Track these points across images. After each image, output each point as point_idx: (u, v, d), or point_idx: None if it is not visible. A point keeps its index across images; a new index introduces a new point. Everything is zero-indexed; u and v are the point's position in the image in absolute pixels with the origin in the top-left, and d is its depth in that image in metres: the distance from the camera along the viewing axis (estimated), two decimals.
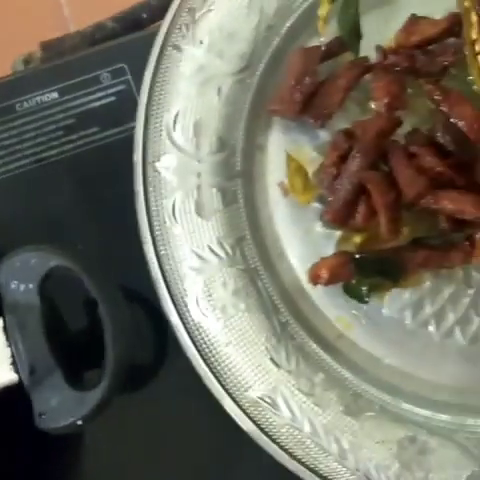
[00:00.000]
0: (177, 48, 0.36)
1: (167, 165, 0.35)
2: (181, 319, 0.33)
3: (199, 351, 0.33)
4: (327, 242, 0.36)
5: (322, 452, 0.32)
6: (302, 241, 0.36)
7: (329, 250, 0.36)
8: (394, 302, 0.36)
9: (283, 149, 0.37)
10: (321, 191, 0.36)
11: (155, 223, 0.34)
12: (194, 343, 0.32)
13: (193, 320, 0.33)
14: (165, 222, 0.34)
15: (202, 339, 0.33)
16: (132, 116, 0.50)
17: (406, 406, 0.35)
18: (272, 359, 0.34)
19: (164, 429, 0.40)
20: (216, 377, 0.32)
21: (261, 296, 0.35)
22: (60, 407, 0.37)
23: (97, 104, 0.51)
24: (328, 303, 0.36)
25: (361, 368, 0.35)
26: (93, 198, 0.50)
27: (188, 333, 0.33)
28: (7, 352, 0.38)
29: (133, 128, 0.49)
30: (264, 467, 0.35)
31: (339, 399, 0.34)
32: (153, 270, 0.33)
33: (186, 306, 0.34)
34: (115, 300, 0.38)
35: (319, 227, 0.36)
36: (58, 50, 0.58)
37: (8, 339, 0.38)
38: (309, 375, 0.34)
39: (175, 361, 0.40)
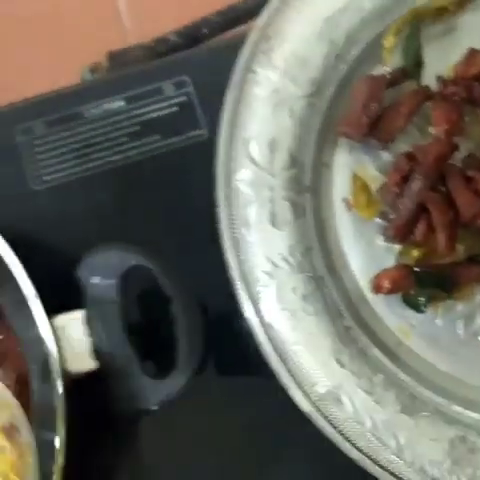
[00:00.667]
0: (255, 72, 0.39)
1: (244, 178, 0.38)
2: (257, 318, 0.36)
3: (273, 347, 0.36)
4: (387, 255, 0.40)
5: (381, 445, 0.35)
6: (364, 253, 0.40)
7: (389, 262, 0.39)
8: (447, 313, 0.39)
9: (348, 167, 0.40)
10: (383, 208, 0.39)
11: (233, 231, 0.37)
12: (270, 341, 0.35)
13: (266, 320, 0.36)
14: (241, 230, 0.37)
15: (274, 338, 0.36)
16: (193, 126, 0.54)
17: (457, 408, 0.37)
18: (337, 359, 0.37)
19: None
20: (287, 371, 0.35)
21: (327, 302, 0.38)
22: (136, 393, 0.40)
23: (160, 113, 0.54)
24: (387, 311, 0.39)
25: (417, 372, 0.38)
26: (154, 201, 0.53)
27: (263, 331, 0.36)
28: (88, 342, 0.41)
29: (193, 137, 0.53)
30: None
31: (397, 399, 0.37)
32: (232, 273, 0.36)
33: (259, 307, 0.37)
34: (188, 299, 0.41)
35: (380, 241, 0.40)
36: (122, 61, 0.62)
37: (89, 330, 0.41)
38: (370, 375, 0.37)
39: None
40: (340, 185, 0.40)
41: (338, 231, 0.40)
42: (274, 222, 0.38)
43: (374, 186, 0.40)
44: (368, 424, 0.36)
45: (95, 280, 0.41)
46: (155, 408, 0.40)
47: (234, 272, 0.36)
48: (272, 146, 0.38)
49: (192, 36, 0.61)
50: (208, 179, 0.52)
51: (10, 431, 0.39)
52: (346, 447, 0.35)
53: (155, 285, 0.41)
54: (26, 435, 0.39)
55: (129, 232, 0.52)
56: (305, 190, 0.39)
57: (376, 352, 0.38)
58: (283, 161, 0.39)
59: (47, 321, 0.40)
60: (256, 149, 0.38)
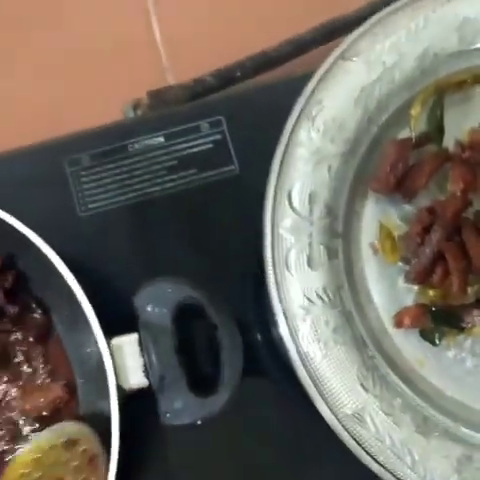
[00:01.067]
0: (300, 134, 0.45)
1: (286, 226, 0.44)
2: (294, 347, 0.42)
3: (308, 373, 0.42)
4: (407, 294, 0.45)
5: (398, 460, 0.41)
6: (387, 292, 0.45)
7: (408, 301, 0.45)
8: (458, 347, 0.45)
9: (375, 217, 0.46)
10: (405, 253, 0.45)
11: (275, 271, 0.43)
12: (305, 368, 0.42)
13: (302, 349, 0.42)
14: (283, 271, 0.43)
15: (309, 365, 0.42)
16: (225, 162, 0.59)
17: (464, 430, 0.43)
18: (362, 384, 0.43)
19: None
20: (320, 395, 0.41)
21: (354, 334, 0.44)
22: (183, 409, 0.45)
23: (196, 149, 0.59)
24: (406, 343, 0.45)
25: (430, 397, 0.44)
26: (190, 232, 0.59)
27: (300, 359, 0.42)
28: (140, 361, 0.45)
29: (225, 172, 0.58)
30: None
31: (412, 420, 0.42)
32: (274, 307, 0.42)
33: (296, 338, 0.43)
34: (231, 327, 0.46)
35: (402, 282, 0.45)
36: (162, 99, 0.66)
37: (142, 351, 0.45)
38: (390, 399, 0.43)
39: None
40: (368, 232, 0.46)
41: (365, 272, 0.46)
42: (310, 264, 0.44)
43: (398, 234, 0.46)
44: (387, 442, 0.41)
45: (149, 308, 0.46)
46: (199, 423, 0.45)
47: (276, 307, 0.42)
48: (311, 198, 0.44)
49: (226, 78, 0.65)
50: (237, 211, 0.58)
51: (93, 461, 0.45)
52: (368, 461, 0.41)
53: (203, 313, 0.46)
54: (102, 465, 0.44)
55: (165, 258, 0.56)
56: (338, 236, 0.45)
57: (395, 379, 0.43)
58: (320, 211, 0.45)
59: (105, 341, 0.45)
60: (297, 201, 0.44)
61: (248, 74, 0.66)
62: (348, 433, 0.41)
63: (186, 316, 0.47)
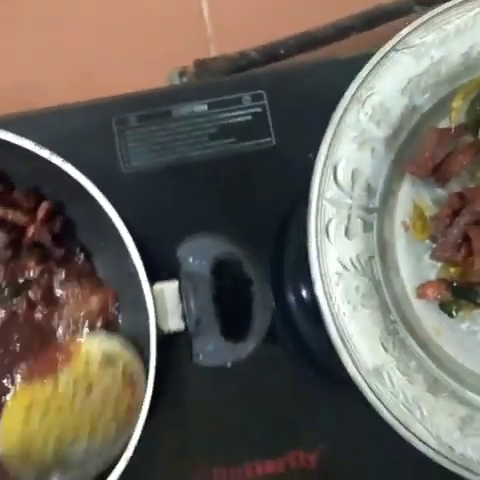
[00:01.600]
0: (349, 115, 0.49)
1: (329, 197, 0.49)
2: (328, 308, 0.47)
3: (337, 330, 0.47)
4: (431, 269, 0.50)
5: (409, 414, 0.46)
6: (413, 266, 0.50)
7: (431, 275, 0.50)
8: (472, 320, 0.50)
9: (410, 197, 0.51)
10: (434, 233, 0.50)
11: (317, 239, 0.48)
12: (336, 327, 0.47)
13: (334, 310, 0.48)
14: (324, 238, 0.48)
15: (338, 324, 0.47)
16: (263, 134, 0.63)
17: (470, 394, 0.48)
18: (383, 345, 0.48)
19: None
20: (346, 350, 0.47)
21: (380, 300, 0.48)
22: (214, 352, 0.48)
23: (236, 120, 0.63)
24: (426, 313, 0.49)
25: (442, 362, 0.49)
26: (227, 195, 0.63)
27: (333, 321, 0.47)
28: (179, 306, 0.49)
29: (262, 144, 0.62)
30: None
31: (424, 380, 0.48)
32: (313, 271, 0.47)
33: (330, 299, 0.48)
34: (265, 283, 0.51)
35: (427, 258, 0.50)
36: (207, 68, 0.70)
37: (181, 297, 0.49)
38: (406, 361, 0.48)
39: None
40: (402, 210, 0.50)
41: (395, 246, 0.50)
42: (347, 234, 0.49)
43: (429, 214, 0.51)
44: (401, 397, 0.47)
45: (191, 259, 0.49)
46: (228, 366, 0.49)
47: (314, 270, 0.47)
48: (354, 175, 0.49)
49: (270, 54, 0.68)
50: (271, 179, 0.63)
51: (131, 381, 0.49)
52: (383, 412, 0.46)
53: (239, 268, 0.50)
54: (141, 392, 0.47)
55: (202, 216, 0.61)
56: (374, 211, 0.50)
57: (413, 343, 0.49)
58: (360, 187, 0.49)
59: (148, 285, 0.48)
60: (341, 176, 0.49)
61: (291, 52, 0.69)
62: (367, 386, 0.46)
63: (224, 269, 0.51)
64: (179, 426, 0.59)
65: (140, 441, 0.46)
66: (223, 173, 0.62)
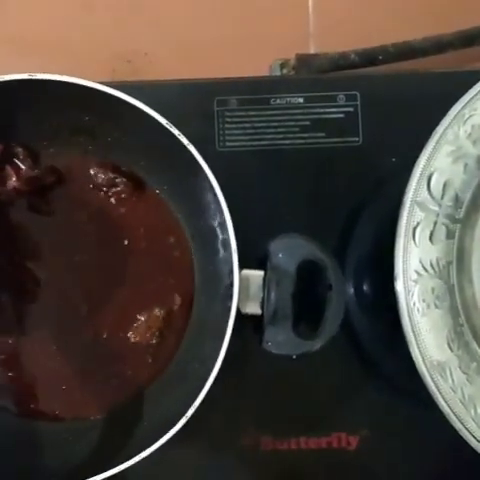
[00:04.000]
0: (450, 132, 0.53)
1: (420, 202, 0.53)
2: (405, 303, 0.52)
3: (410, 324, 0.51)
4: None
5: (465, 410, 0.51)
6: None
7: None
8: None
9: None
10: None
11: (404, 239, 0.52)
12: (409, 320, 0.51)
13: (410, 305, 0.52)
14: (409, 238, 0.53)
15: (412, 318, 0.52)
16: (352, 133, 0.67)
17: None
18: (448, 344, 0.52)
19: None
20: (415, 343, 0.51)
21: (452, 303, 0.53)
22: (283, 342, 0.53)
23: (329, 116, 0.67)
24: None
25: None
26: (311, 187, 0.67)
27: (408, 315, 0.51)
28: (260, 294, 0.53)
29: (350, 142, 0.66)
30: None
31: None
32: (396, 268, 0.52)
33: (408, 294, 0.52)
34: (342, 292, 0.55)
35: None
36: (308, 64, 0.74)
37: (264, 286, 0.53)
38: (467, 361, 0.52)
39: None
40: None
41: (472, 255, 0.54)
42: (431, 238, 0.53)
43: None
44: (459, 393, 0.51)
45: (280, 255, 0.54)
46: (294, 357, 0.54)
47: (398, 266, 0.52)
48: (445, 185, 0.53)
49: (369, 58, 0.72)
50: (354, 177, 0.66)
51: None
52: (441, 404, 0.51)
53: (321, 272, 0.54)
54: None
55: (285, 205, 0.65)
56: (458, 221, 0.54)
57: (476, 347, 0.53)
58: (450, 197, 0.53)
59: (238, 271, 0.52)
60: (434, 185, 0.53)
61: (389, 59, 0.73)
62: (430, 377, 0.51)
63: (306, 270, 0.55)
64: (235, 396, 0.65)
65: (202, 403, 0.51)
66: (309, 164, 0.67)
